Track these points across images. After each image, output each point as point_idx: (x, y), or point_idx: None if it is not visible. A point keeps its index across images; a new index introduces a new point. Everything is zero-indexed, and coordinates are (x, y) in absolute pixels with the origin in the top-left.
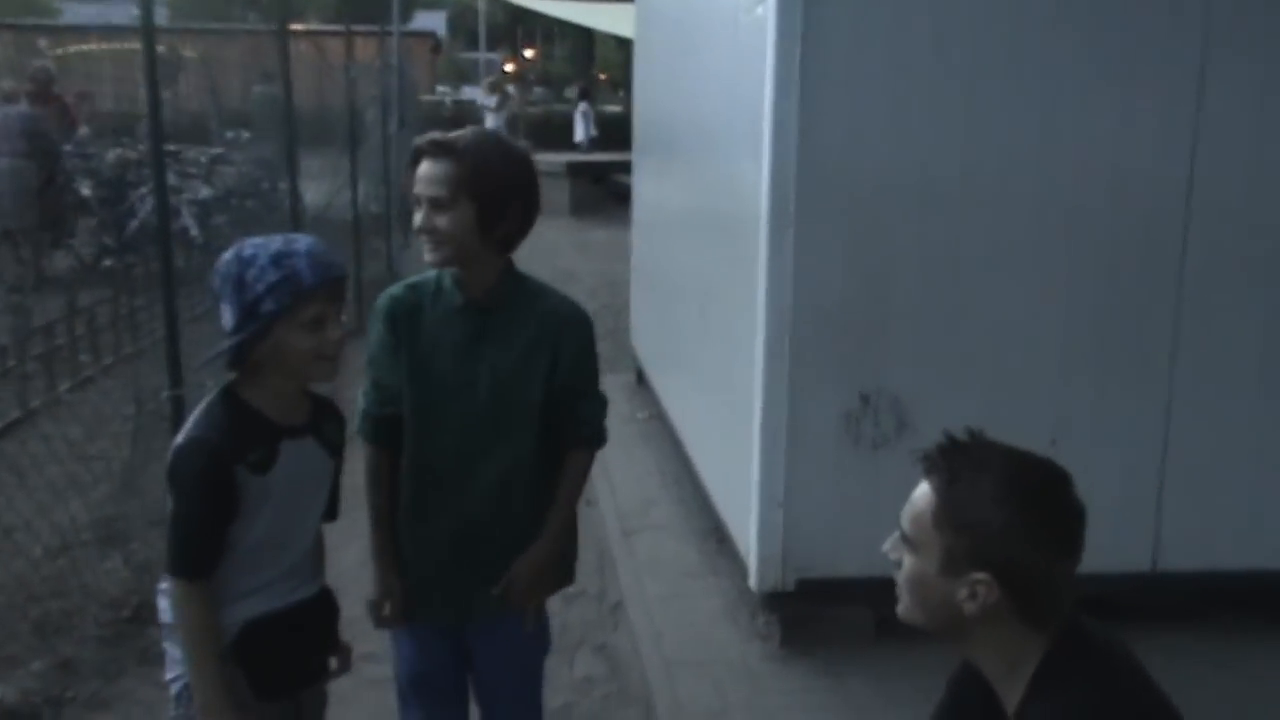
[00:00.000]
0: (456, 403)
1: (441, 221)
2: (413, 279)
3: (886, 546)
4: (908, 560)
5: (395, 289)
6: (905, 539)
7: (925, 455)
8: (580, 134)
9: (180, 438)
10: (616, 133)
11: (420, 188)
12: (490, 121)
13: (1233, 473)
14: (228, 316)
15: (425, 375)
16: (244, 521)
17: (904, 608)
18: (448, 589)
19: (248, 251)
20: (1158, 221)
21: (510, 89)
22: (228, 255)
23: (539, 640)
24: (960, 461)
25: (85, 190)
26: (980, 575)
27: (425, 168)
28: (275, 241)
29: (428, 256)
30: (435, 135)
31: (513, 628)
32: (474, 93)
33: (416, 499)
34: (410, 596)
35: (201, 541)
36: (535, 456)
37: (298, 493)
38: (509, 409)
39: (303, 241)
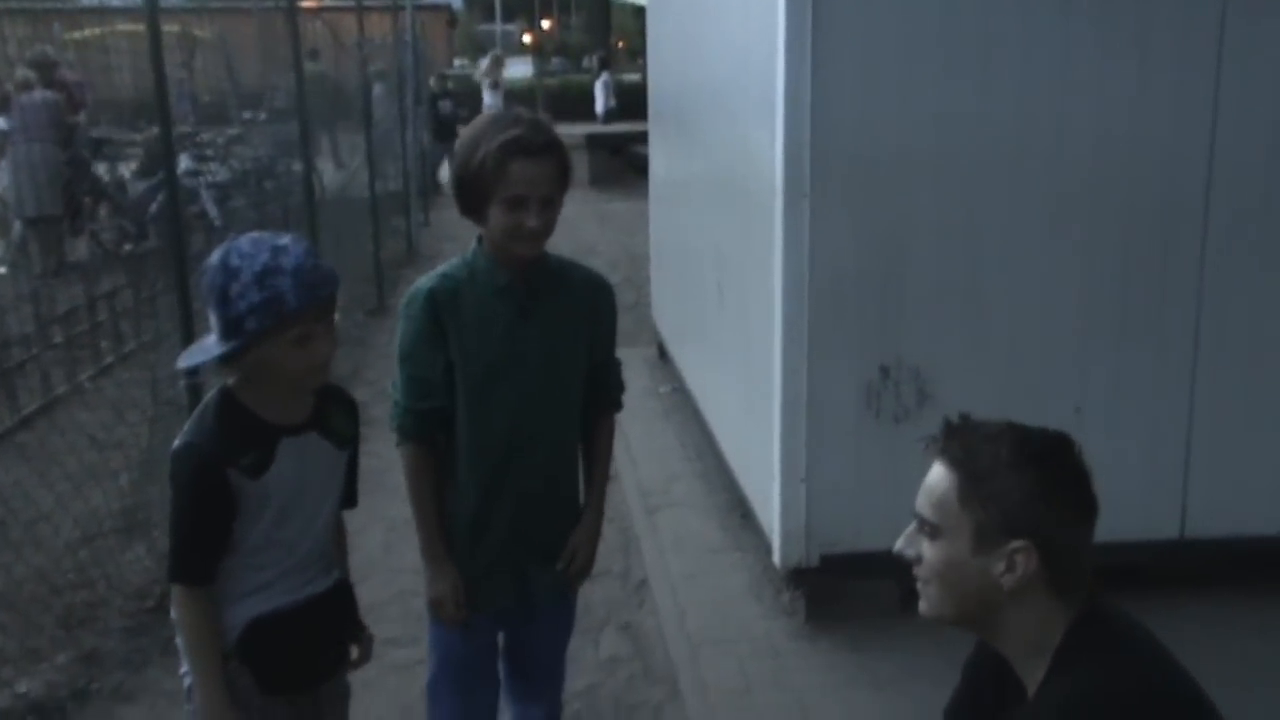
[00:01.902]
0: (510, 381)
1: (552, 216)
2: (442, 268)
3: (900, 545)
4: (932, 550)
5: (428, 282)
6: (927, 527)
7: (933, 439)
8: (601, 106)
9: (176, 441)
10: (635, 102)
11: (533, 188)
12: (488, 98)
13: (1259, 437)
14: (212, 326)
15: (476, 358)
16: (244, 523)
17: (931, 603)
18: (510, 569)
19: (234, 261)
20: (1179, 187)
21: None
22: (214, 260)
23: (575, 607)
24: (971, 437)
25: (104, 175)
26: (1018, 543)
27: (536, 167)
28: (263, 253)
29: (529, 251)
30: (541, 128)
31: (564, 602)
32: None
33: (476, 483)
34: (472, 586)
35: (196, 548)
36: (577, 426)
37: (302, 490)
38: (561, 381)
39: (291, 255)
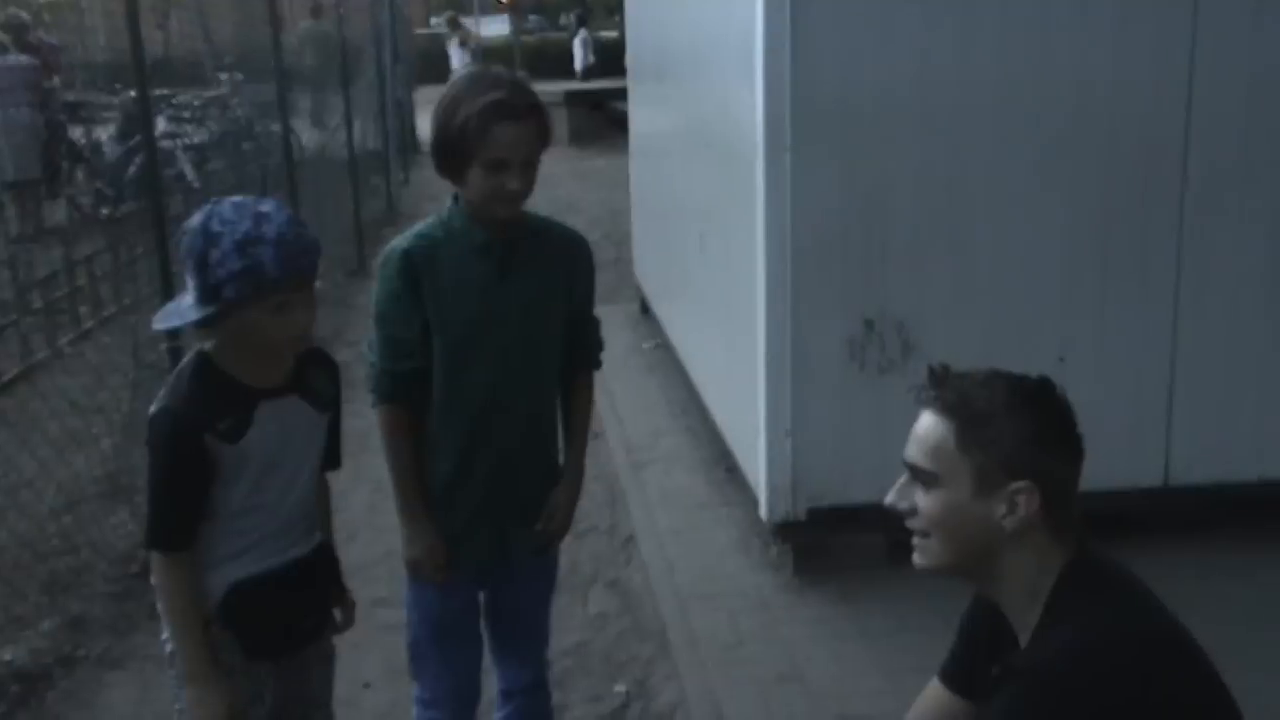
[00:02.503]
0: (489, 340)
1: (532, 176)
2: (417, 228)
3: (891, 498)
4: (929, 499)
5: (404, 242)
6: (922, 477)
7: (924, 388)
8: (579, 63)
9: (153, 406)
10: (613, 58)
11: (515, 152)
12: (455, 59)
13: (1241, 384)
14: (189, 288)
15: (454, 317)
16: (223, 488)
17: (929, 554)
18: (488, 527)
19: (215, 227)
20: (1158, 133)
21: (463, 22)
22: (194, 222)
23: (556, 566)
24: (962, 383)
25: (80, 139)
26: (1019, 484)
27: (519, 130)
28: (245, 220)
29: (509, 212)
30: (523, 90)
31: (543, 559)
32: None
33: (454, 443)
34: (450, 546)
35: (174, 514)
36: (556, 385)
37: (282, 454)
38: (540, 339)
39: (274, 224)
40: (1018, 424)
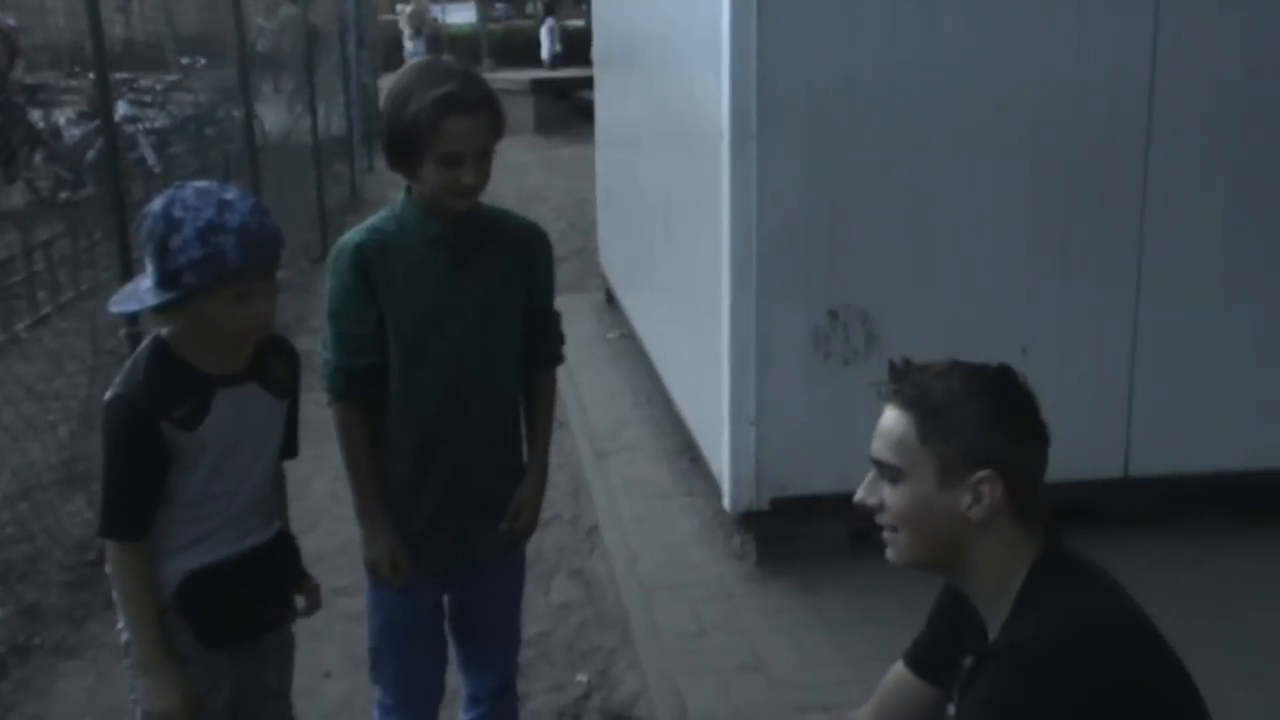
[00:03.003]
0: (446, 334)
1: (487, 168)
2: (369, 221)
3: (860, 494)
4: (896, 494)
5: (355, 236)
6: (887, 472)
7: (884, 383)
8: (546, 51)
9: (108, 392)
10: (580, 47)
11: (469, 145)
12: (410, 48)
13: (1200, 377)
14: (148, 274)
15: (409, 311)
16: (180, 476)
17: (899, 549)
18: (450, 526)
19: (176, 212)
20: (1120, 128)
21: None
22: (156, 207)
23: (524, 567)
24: (921, 376)
25: (39, 122)
26: (982, 473)
27: (472, 122)
28: (208, 207)
29: (465, 205)
30: (475, 81)
31: (511, 557)
32: (436, 11)
33: (412, 440)
34: (411, 546)
35: (129, 503)
36: (516, 379)
37: (239, 442)
38: (498, 333)
39: (237, 213)
40: (976, 414)
